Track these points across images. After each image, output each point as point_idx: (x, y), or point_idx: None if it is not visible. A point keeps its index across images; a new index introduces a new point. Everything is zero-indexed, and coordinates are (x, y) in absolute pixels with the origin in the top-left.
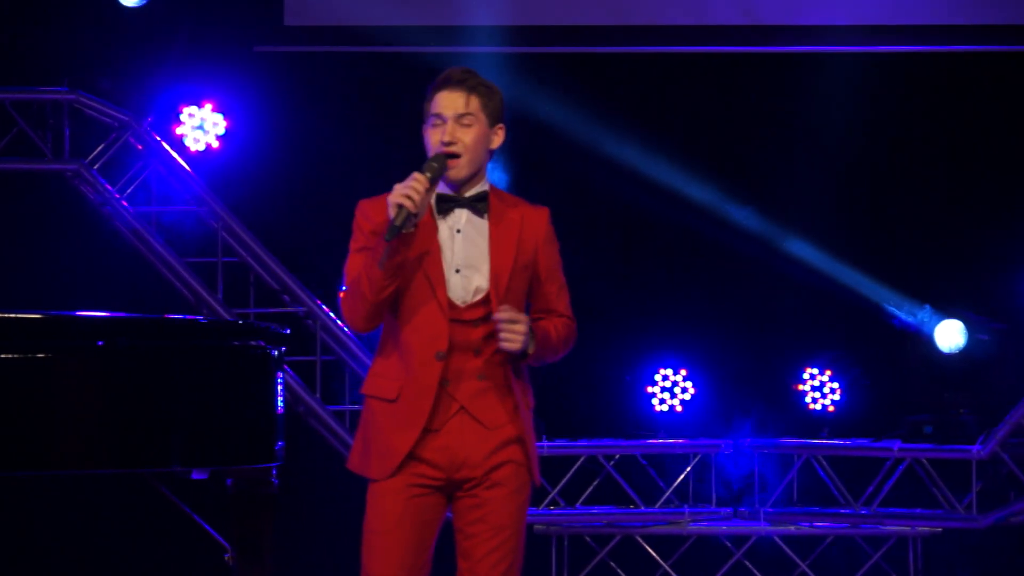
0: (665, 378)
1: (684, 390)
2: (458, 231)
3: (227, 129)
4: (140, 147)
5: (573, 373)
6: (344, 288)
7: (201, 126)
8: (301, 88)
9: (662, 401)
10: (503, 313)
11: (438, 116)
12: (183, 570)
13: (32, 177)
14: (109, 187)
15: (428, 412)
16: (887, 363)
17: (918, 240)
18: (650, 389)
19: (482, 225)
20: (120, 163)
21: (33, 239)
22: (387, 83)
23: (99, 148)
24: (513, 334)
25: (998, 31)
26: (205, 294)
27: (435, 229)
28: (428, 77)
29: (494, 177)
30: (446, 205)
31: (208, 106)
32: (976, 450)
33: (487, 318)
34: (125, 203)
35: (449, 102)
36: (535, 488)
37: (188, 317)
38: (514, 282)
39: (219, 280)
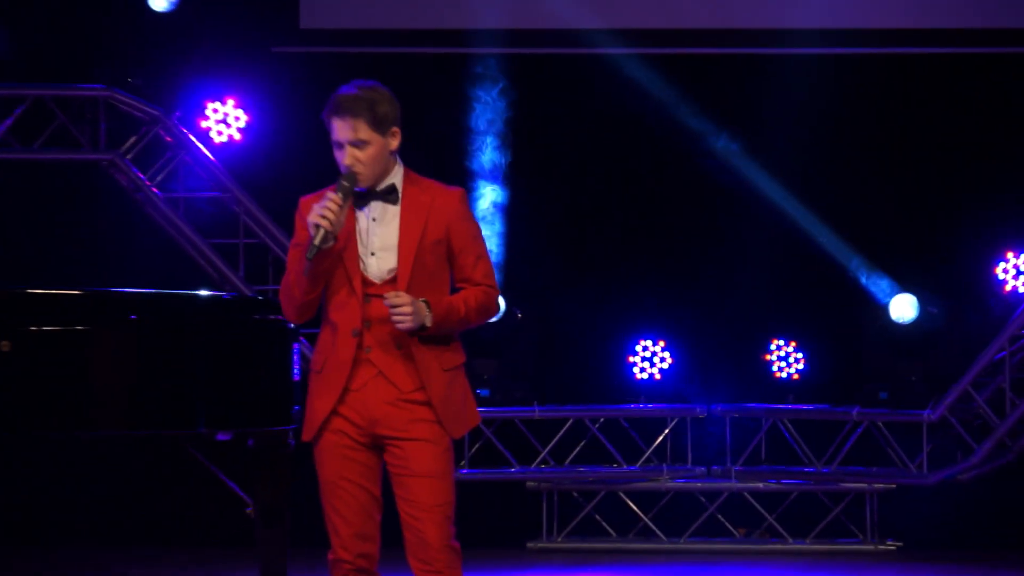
0: (645, 348)
1: (662, 360)
2: (373, 219)
3: (247, 123)
4: (169, 139)
5: (563, 345)
6: (282, 281)
7: (224, 120)
8: (315, 85)
9: (642, 370)
10: (389, 299)
11: (337, 142)
12: (210, 523)
13: (71, 166)
14: (141, 175)
15: (344, 382)
16: (846, 335)
17: (879, 224)
18: (631, 359)
19: (394, 211)
20: (151, 153)
21: (72, 222)
22: (393, 82)
23: (132, 140)
24: (401, 315)
25: (959, 34)
26: (228, 272)
27: (355, 220)
28: (428, 76)
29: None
30: (362, 200)
31: (230, 102)
32: (927, 415)
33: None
34: (155, 190)
35: (341, 130)
36: (511, 442)
37: (212, 293)
38: (425, 258)
39: (240, 259)
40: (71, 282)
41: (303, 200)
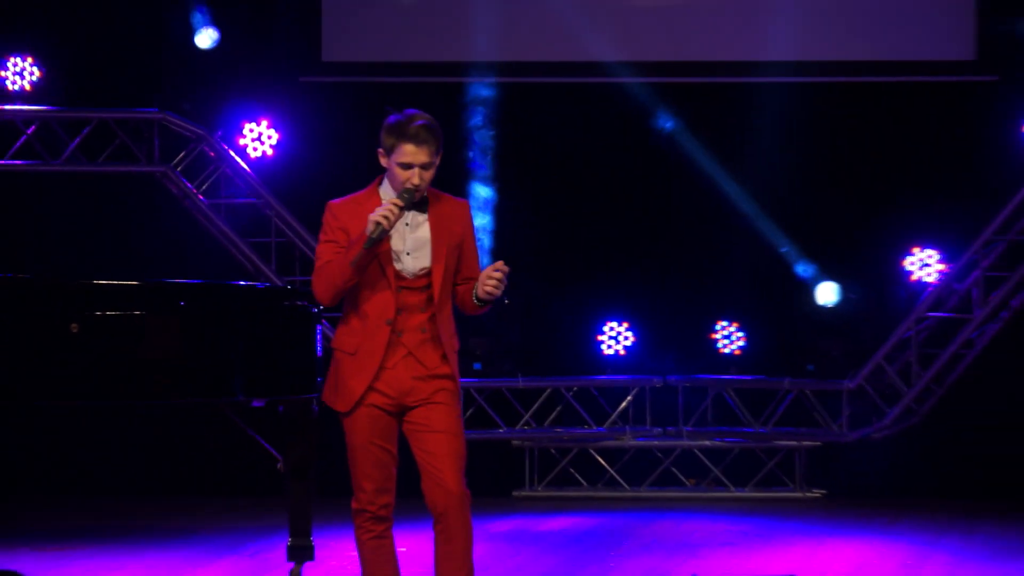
0: (611, 328)
1: (626, 338)
2: (407, 224)
3: (278, 140)
4: (212, 154)
5: (543, 326)
6: (314, 270)
7: (258, 138)
8: (336, 109)
9: (609, 346)
10: (501, 268)
11: (408, 164)
12: (246, 477)
13: (130, 177)
14: (189, 184)
15: (379, 362)
16: (780, 316)
17: (810, 223)
18: (599, 337)
19: (423, 219)
20: (197, 167)
21: (131, 224)
22: (400, 106)
23: (181, 155)
24: (501, 284)
25: (877, 65)
26: (262, 265)
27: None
28: (436, 105)
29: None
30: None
31: (264, 122)
32: (846, 384)
33: (428, 287)
34: (201, 197)
35: (416, 155)
36: (498, 406)
37: (249, 283)
38: (448, 259)
39: (272, 255)
40: (129, 275)
41: (331, 203)
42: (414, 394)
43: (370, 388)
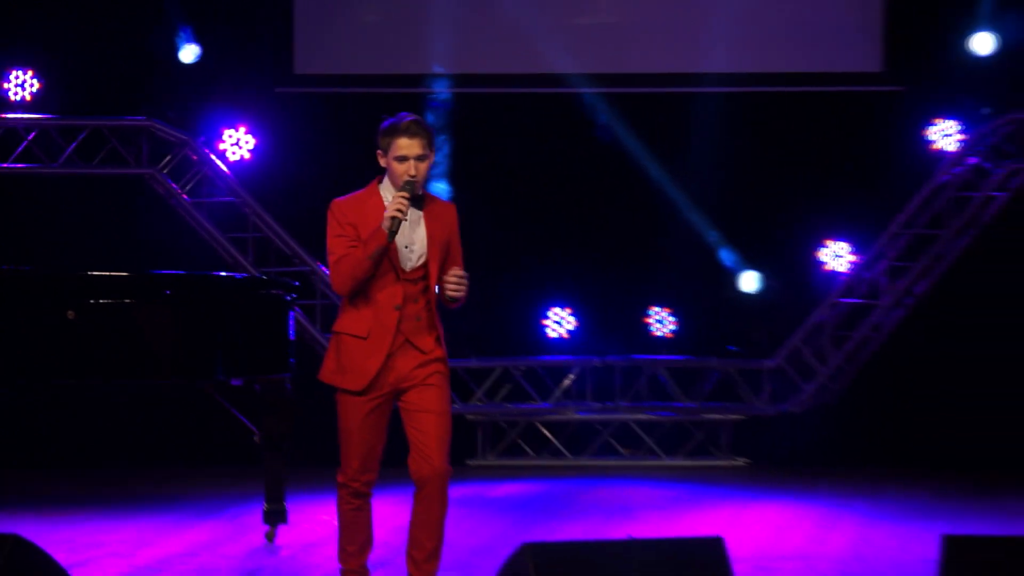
0: (555, 313)
1: (569, 322)
2: (406, 221)
3: (255, 145)
4: (195, 158)
5: (494, 312)
6: (331, 264)
7: (237, 143)
8: (307, 116)
9: (553, 330)
10: (460, 274)
11: (403, 156)
12: (226, 448)
13: (121, 179)
14: (174, 185)
15: (389, 346)
16: (708, 302)
17: (737, 218)
18: (545, 322)
19: (419, 215)
20: (181, 169)
21: (122, 221)
22: (365, 115)
23: (167, 158)
24: (462, 284)
25: (796, 76)
26: (240, 258)
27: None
28: (397, 111)
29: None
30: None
31: (242, 129)
32: (767, 363)
33: (424, 278)
34: (185, 196)
35: (409, 147)
36: (454, 385)
37: (228, 274)
38: (440, 253)
39: (250, 249)
40: (119, 267)
41: (335, 202)
42: (411, 378)
43: (381, 371)
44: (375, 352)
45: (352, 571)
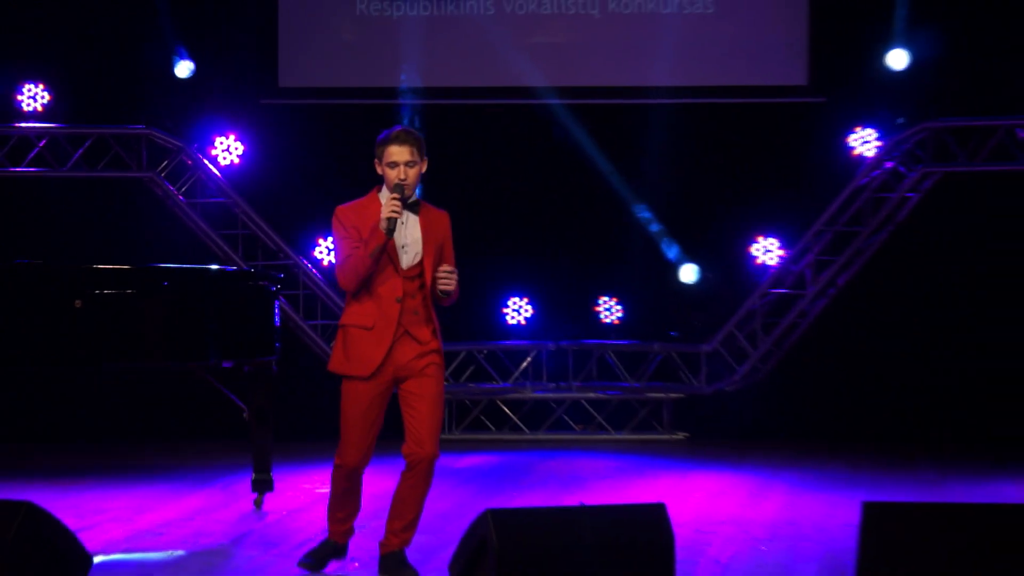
0: (514, 302)
1: (526, 310)
2: (403, 223)
3: (244, 151)
4: (190, 162)
5: (459, 300)
6: (337, 264)
7: (227, 149)
8: (291, 125)
9: (512, 317)
10: (449, 270)
11: (394, 162)
12: (217, 423)
13: (123, 182)
14: (171, 187)
15: (393, 335)
16: (651, 292)
17: (678, 215)
18: (504, 310)
19: (415, 220)
20: (177, 173)
21: (124, 220)
22: (342, 124)
23: (164, 163)
24: (452, 278)
25: (735, 89)
26: (231, 253)
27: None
28: (377, 120)
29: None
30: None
31: (232, 136)
32: (705, 347)
33: (420, 275)
34: (181, 197)
35: (399, 153)
36: None
37: (220, 267)
38: (434, 252)
39: (239, 244)
40: (121, 261)
41: (339, 209)
42: (409, 368)
43: (384, 359)
44: (380, 341)
45: (338, 532)
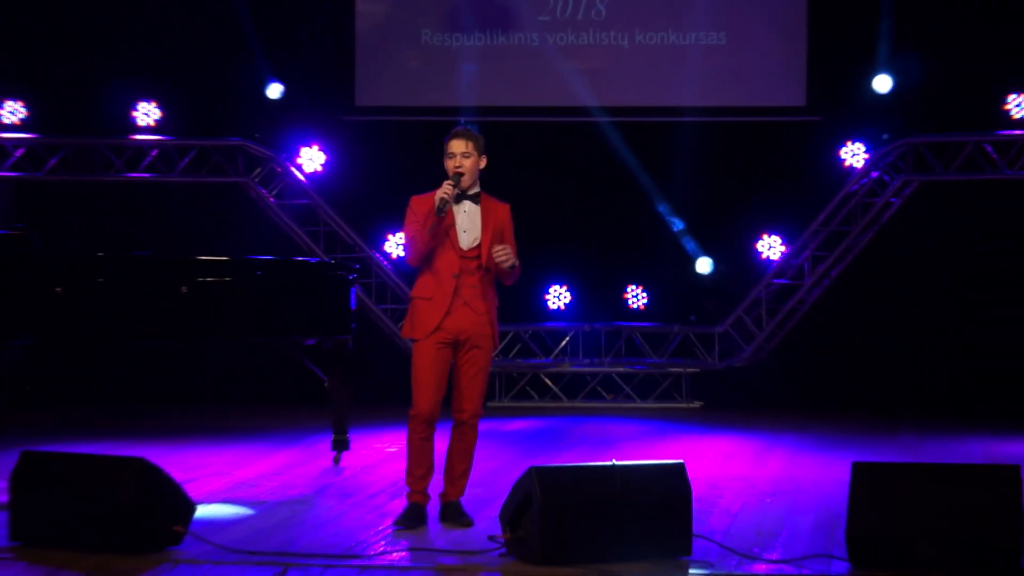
0: (555, 290)
1: (566, 297)
2: (465, 211)
3: (325, 160)
4: (279, 170)
5: (507, 288)
6: (404, 244)
7: (311, 158)
8: (365, 138)
9: (553, 303)
10: (499, 247)
11: (452, 154)
12: (302, 391)
13: (223, 187)
14: (263, 190)
15: (447, 306)
16: (672, 281)
17: (697, 214)
18: (546, 296)
19: (476, 209)
20: (269, 178)
21: (223, 220)
22: (409, 137)
23: (258, 170)
24: (508, 255)
25: (749, 109)
26: (314, 247)
27: (453, 212)
28: (439, 134)
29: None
30: (459, 198)
31: (315, 147)
32: (717, 329)
33: (478, 256)
34: (272, 199)
35: (456, 146)
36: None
37: (304, 259)
38: (493, 238)
39: (321, 239)
40: (222, 254)
41: (414, 198)
42: (467, 333)
43: (439, 326)
44: (437, 309)
45: (418, 492)
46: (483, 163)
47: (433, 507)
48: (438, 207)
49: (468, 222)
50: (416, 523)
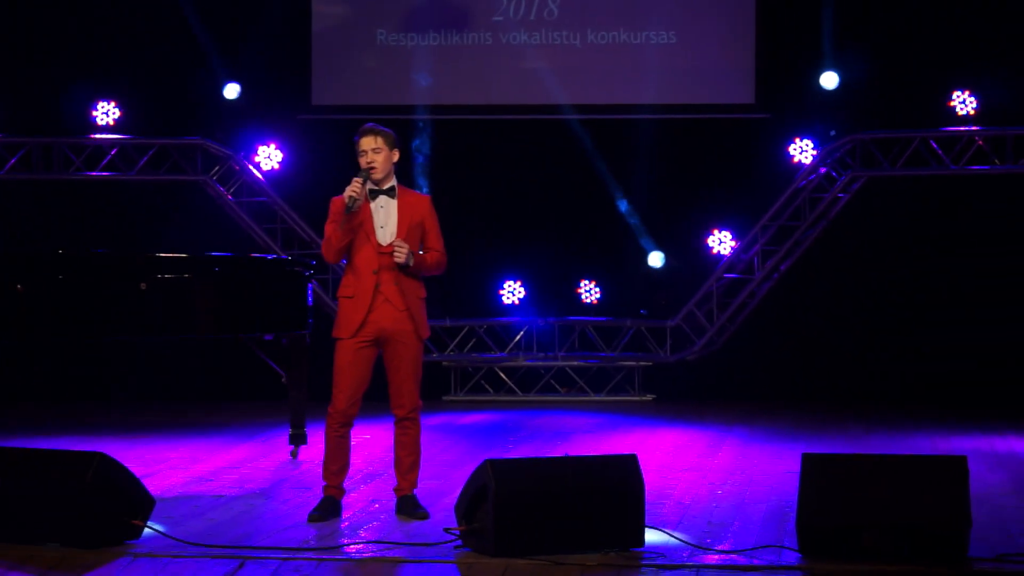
0: (509, 285)
1: (519, 292)
2: (381, 207)
3: (283, 158)
4: (237, 168)
5: (463, 284)
6: (322, 243)
7: (269, 157)
8: (321, 136)
9: (507, 298)
10: (398, 242)
11: (363, 151)
12: (260, 386)
13: (182, 185)
14: (221, 188)
15: (369, 303)
16: (624, 276)
17: (650, 210)
18: (501, 291)
19: (392, 203)
20: (227, 176)
21: (182, 217)
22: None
23: (216, 168)
24: (400, 251)
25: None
26: (271, 243)
27: (369, 206)
28: (396, 133)
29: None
30: (374, 193)
31: (272, 146)
32: (669, 323)
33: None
34: (230, 197)
35: (366, 142)
36: (432, 338)
37: (261, 256)
38: (410, 233)
39: (278, 236)
40: (179, 250)
41: (334, 198)
42: (388, 332)
43: (363, 322)
44: (359, 307)
45: (332, 487)
46: (395, 157)
47: (390, 501)
48: (347, 205)
49: (385, 217)
50: (329, 515)
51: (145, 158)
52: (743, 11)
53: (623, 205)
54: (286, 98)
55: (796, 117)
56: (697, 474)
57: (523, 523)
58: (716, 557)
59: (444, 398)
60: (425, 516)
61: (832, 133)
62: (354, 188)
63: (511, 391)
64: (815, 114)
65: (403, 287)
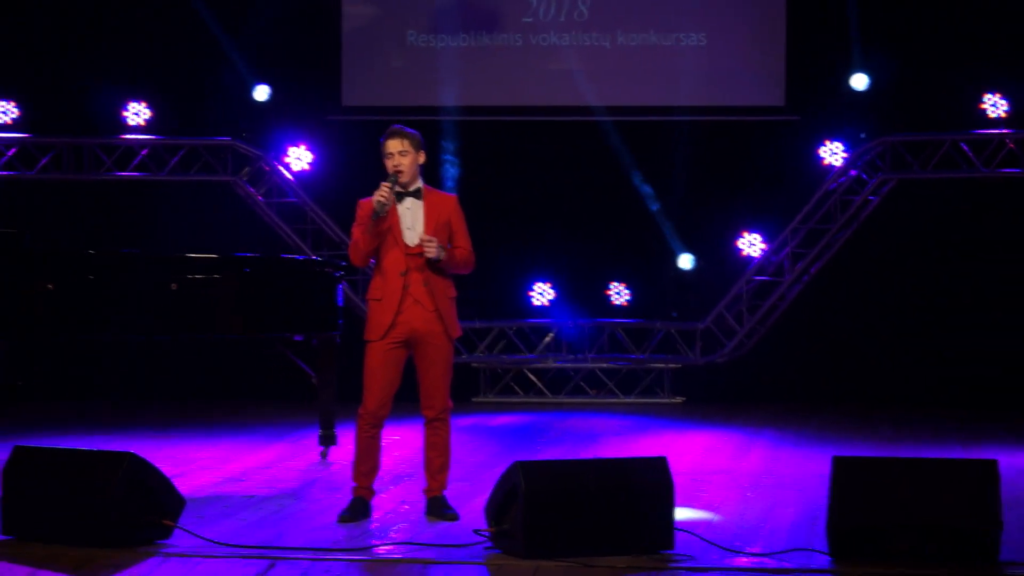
0: (539, 287)
1: (549, 294)
2: (408, 208)
3: (313, 159)
4: (267, 169)
5: (494, 285)
6: (350, 247)
7: (299, 157)
8: (351, 137)
9: (537, 299)
10: (424, 237)
11: (389, 154)
12: (290, 386)
13: (212, 185)
14: (252, 189)
15: (397, 305)
16: (655, 278)
17: (680, 213)
18: (531, 293)
19: (419, 204)
20: (257, 177)
21: (212, 217)
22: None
23: (246, 169)
24: (430, 246)
25: (734, 110)
26: (301, 244)
27: (396, 209)
28: (425, 134)
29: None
30: (400, 195)
31: (302, 146)
32: (699, 325)
33: (423, 252)
34: (260, 198)
35: (392, 145)
36: (462, 339)
37: (291, 256)
38: (437, 233)
39: (308, 237)
40: (210, 250)
41: (361, 201)
42: (418, 333)
43: (392, 324)
44: (388, 309)
45: (362, 488)
46: (422, 159)
47: (420, 502)
48: (376, 211)
49: (412, 218)
50: (359, 516)
51: (175, 159)
52: (773, 13)
53: (653, 207)
54: (316, 99)
55: (826, 119)
56: (727, 476)
57: (553, 525)
58: (746, 560)
59: (474, 399)
60: (455, 517)
61: (862, 135)
62: (382, 193)
63: (541, 393)
64: (845, 116)
65: (432, 287)
